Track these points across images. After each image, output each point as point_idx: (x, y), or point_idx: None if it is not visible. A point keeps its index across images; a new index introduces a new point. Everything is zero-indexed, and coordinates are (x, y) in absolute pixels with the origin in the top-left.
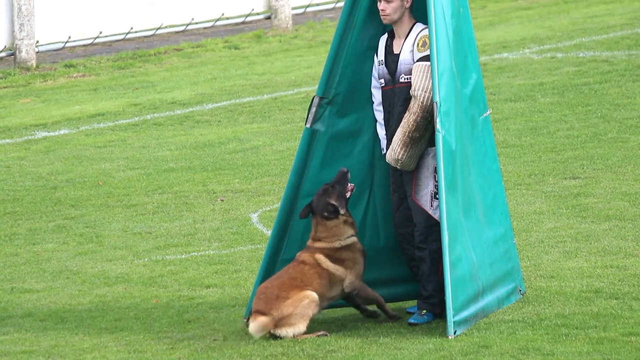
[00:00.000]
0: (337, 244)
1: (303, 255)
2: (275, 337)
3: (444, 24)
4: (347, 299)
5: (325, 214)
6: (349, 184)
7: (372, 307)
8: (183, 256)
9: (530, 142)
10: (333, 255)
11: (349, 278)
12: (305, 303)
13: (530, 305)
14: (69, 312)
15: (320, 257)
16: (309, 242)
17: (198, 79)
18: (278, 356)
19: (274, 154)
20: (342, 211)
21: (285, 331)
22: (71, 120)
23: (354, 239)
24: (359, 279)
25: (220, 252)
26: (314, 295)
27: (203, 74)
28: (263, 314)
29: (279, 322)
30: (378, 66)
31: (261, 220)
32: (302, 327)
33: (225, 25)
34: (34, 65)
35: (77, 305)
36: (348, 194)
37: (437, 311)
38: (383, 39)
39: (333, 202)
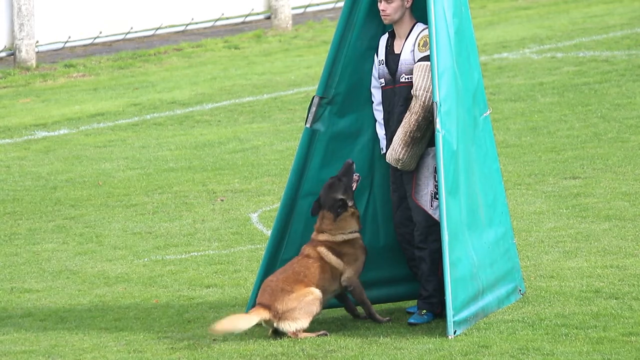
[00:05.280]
0: (339, 238)
1: (307, 249)
2: (276, 334)
3: (444, 24)
4: (339, 297)
5: (338, 210)
6: (355, 175)
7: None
8: (183, 256)
9: (530, 142)
10: (335, 248)
11: (347, 272)
12: (309, 299)
13: (530, 305)
14: (69, 312)
15: (323, 250)
16: (313, 235)
17: (198, 78)
18: (278, 356)
19: (274, 154)
20: (350, 203)
21: (288, 325)
22: (71, 120)
23: (357, 234)
24: (356, 276)
25: (220, 252)
26: (318, 292)
27: (203, 74)
28: (267, 307)
29: (282, 316)
30: (378, 66)
31: (261, 220)
32: (304, 323)
33: (225, 25)
34: (34, 65)
35: (77, 305)
36: (354, 185)
37: (437, 311)
38: (384, 39)
39: (341, 196)
